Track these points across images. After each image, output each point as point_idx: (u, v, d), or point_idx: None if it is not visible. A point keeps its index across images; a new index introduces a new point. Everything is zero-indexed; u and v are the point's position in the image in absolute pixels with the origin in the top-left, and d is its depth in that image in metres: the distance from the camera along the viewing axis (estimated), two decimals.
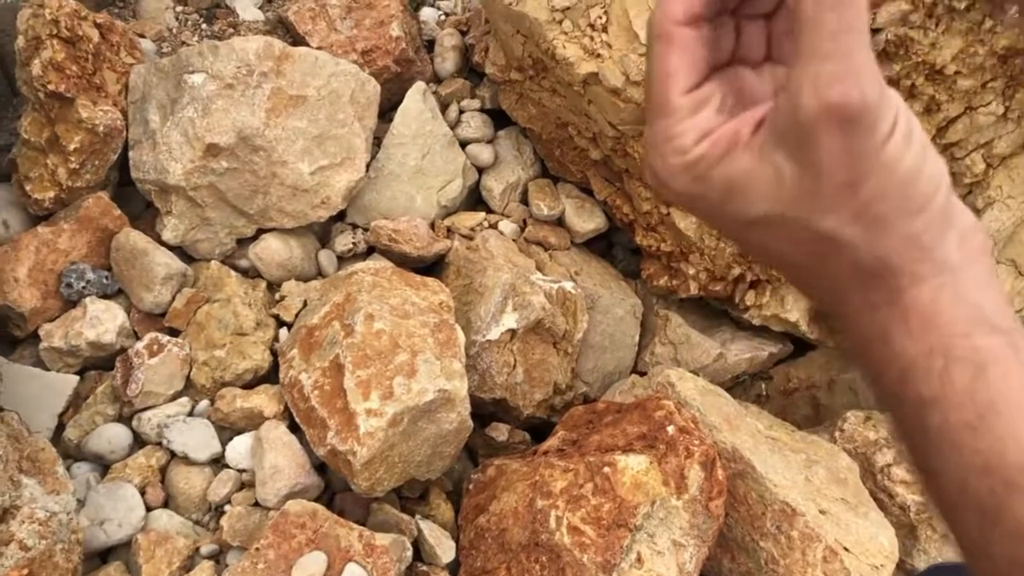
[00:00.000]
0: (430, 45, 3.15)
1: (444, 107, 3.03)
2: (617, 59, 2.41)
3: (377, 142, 2.89)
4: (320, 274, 2.70)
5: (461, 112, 3.04)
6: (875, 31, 2.12)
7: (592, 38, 2.47)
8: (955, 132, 2.39)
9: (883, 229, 0.61)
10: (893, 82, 2.22)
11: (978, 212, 2.54)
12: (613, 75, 2.41)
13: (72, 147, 2.40)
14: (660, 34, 0.64)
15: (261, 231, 2.61)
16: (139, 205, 2.64)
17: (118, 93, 2.56)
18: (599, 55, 2.45)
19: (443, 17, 3.25)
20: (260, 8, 3.20)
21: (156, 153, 2.46)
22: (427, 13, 3.24)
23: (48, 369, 2.30)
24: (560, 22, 2.50)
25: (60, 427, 2.26)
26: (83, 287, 2.37)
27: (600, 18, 2.46)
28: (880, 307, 0.64)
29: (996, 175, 2.49)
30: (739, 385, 3.07)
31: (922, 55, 2.15)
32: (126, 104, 2.57)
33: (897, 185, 0.61)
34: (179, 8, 3.16)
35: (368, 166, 2.73)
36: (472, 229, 2.90)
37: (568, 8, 2.47)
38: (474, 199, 3.05)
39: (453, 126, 3.00)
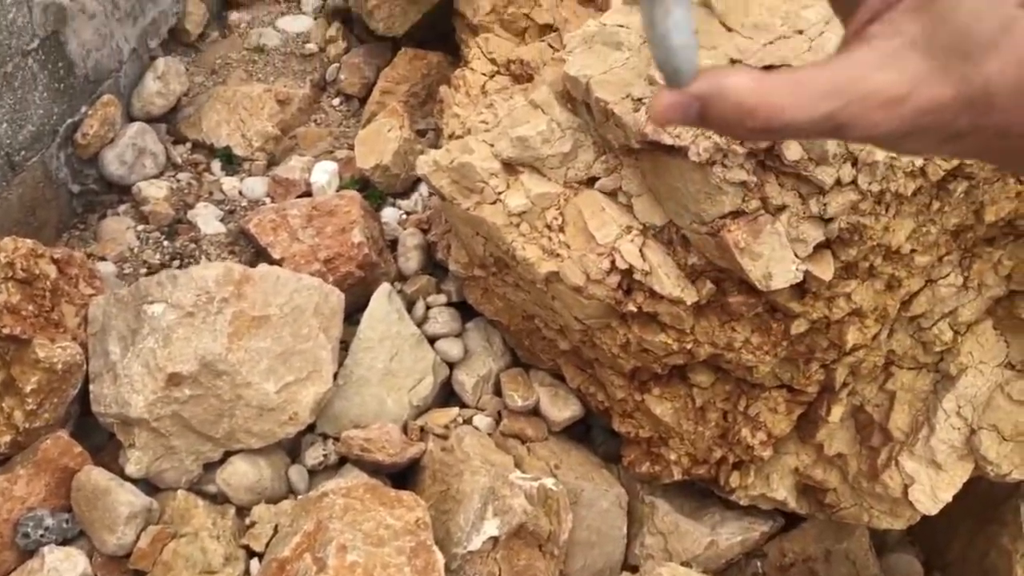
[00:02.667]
0: (393, 244, 3.18)
1: (410, 304, 3.03)
2: (576, 259, 2.42)
3: (345, 347, 2.86)
4: (291, 491, 2.61)
5: (428, 308, 3.03)
6: (827, 220, 2.15)
7: (550, 238, 2.49)
8: (919, 305, 2.40)
9: None
10: (852, 265, 2.24)
11: (952, 379, 2.52)
12: (574, 274, 2.41)
13: (29, 388, 2.35)
14: None
15: (228, 453, 2.53)
16: (101, 436, 2.57)
17: (77, 326, 2.54)
18: (558, 255, 2.46)
19: (404, 216, 3.29)
20: (222, 221, 3.23)
21: (117, 386, 2.41)
22: (388, 213, 3.28)
23: None
24: (518, 225, 2.52)
25: None
26: (41, 535, 2.27)
27: (556, 219, 2.48)
28: None
29: (965, 342, 2.48)
30: (734, 566, 2.96)
31: (876, 239, 2.17)
32: (86, 336, 2.53)
33: None
34: (140, 227, 3.18)
35: (336, 375, 2.69)
36: (446, 427, 2.84)
37: (524, 212, 2.50)
38: (446, 394, 3.00)
39: (421, 323, 2.98)
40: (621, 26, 2.50)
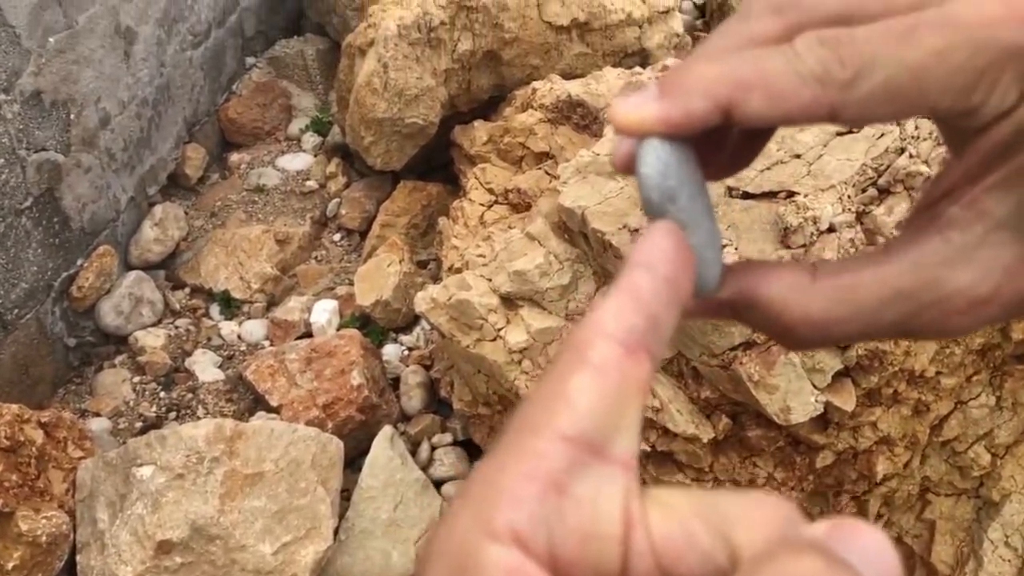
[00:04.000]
0: (395, 383, 3.07)
1: (415, 447, 2.90)
2: None
3: (347, 495, 2.72)
4: None
5: (433, 449, 2.90)
6: (844, 348, 2.03)
7: None
8: (951, 429, 2.25)
9: None
10: (874, 392, 2.10)
11: (995, 506, 2.34)
12: None
13: (11, 565, 2.21)
14: None
15: None
16: None
17: (65, 492, 2.42)
18: None
19: (406, 352, 3.20)
20: (220, 367, 3.15)
21: (104, 557, 2.27)
22: (390, 350, 3.19)
23: None
24: (519, 362, 2.42)
25: None
26: None
27: None
28: None
29: (1005, 465, 2.32)
30: None
31: (898, 364, 2.05)
32: (74, 503, 2.41)
33: None
34: (136, 378, 3.10)
35: (337, 529, 2.55)
36: None
37: (526, 348, 2.40)
38: None
39: (426, 466, 2.85)
40: None
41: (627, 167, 0.41)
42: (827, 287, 0.41)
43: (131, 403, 3.01)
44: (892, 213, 1.97)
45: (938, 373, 2.12)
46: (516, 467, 0.31)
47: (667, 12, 3.93)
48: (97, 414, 2.95)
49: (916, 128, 2.04)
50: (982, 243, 0.40)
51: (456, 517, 0.31)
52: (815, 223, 1.98)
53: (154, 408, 2.99)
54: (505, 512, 0.30)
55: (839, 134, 2.14)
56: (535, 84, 3.43)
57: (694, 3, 4.86)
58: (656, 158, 0.40)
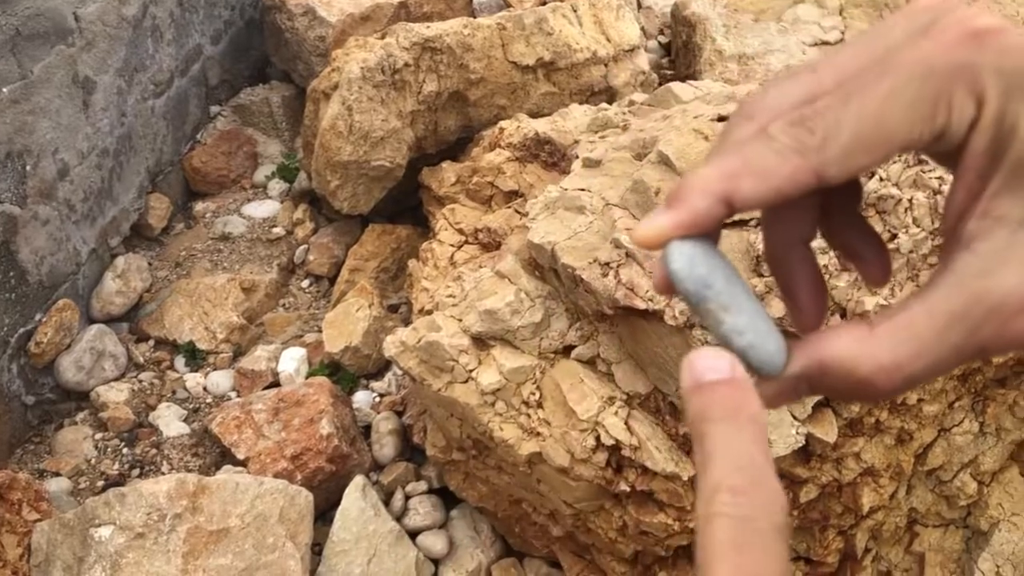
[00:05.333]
0: (367, 431, 2.98)
1: (388, 496, 2.80)
2: (559, 436, 2.23)
3: (319, 550, 2.62)
4: None
5: (407, 499, 2.81)
6: None
7: (529, 415, 2.31)
8: (935, 457, 2.20)
9: None
10: (856, 422, 2.05)
11: (984, 535, 2.29)
12: (557, 454, 2.22)
13: None
14: None
15: None
16: None
17: (19, 557, 2.30)
18: (539, 433, 2.27)
19: (378, 399, 3.11)
20: (185, 420, 3.05)
21: None
22: (361, 397, 3.10)
23: None
24: (492, 404, 2.34)
25: None
26: None
27: (533, 394, 2.31)
28: None
29: (992, 492, 2.27)
30: None
31: None
32: (28, 568, 2.30)
33: None
34: (98, 435, 2.99)
35: None
36: None
37: (499, 389, 2.33)
38: None
39: (400, 516, 2.75)
40: (582, 190, 2.41)
41: (665, 285, 0.45)
42: (886, 331, 0.43)
43: (92, 461, 2.90)
44: None
45: (920, 400, 2.08)
46: None
47: (632, 50, 3.93)
48: (57, 474, 2.83)
49: None
50: (1012, 244, 0.42)
51: None
52: None
53: (116, 465, 2.88)
54: None
55: None
56: (502, 123, 3.40)
57: (659, 42, 4.88)
58: (680, 254, 0.44)
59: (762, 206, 0.45)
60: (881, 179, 1.96)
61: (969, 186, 0.43)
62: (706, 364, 0.43)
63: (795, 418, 1.99)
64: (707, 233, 0.45)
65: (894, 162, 1.97)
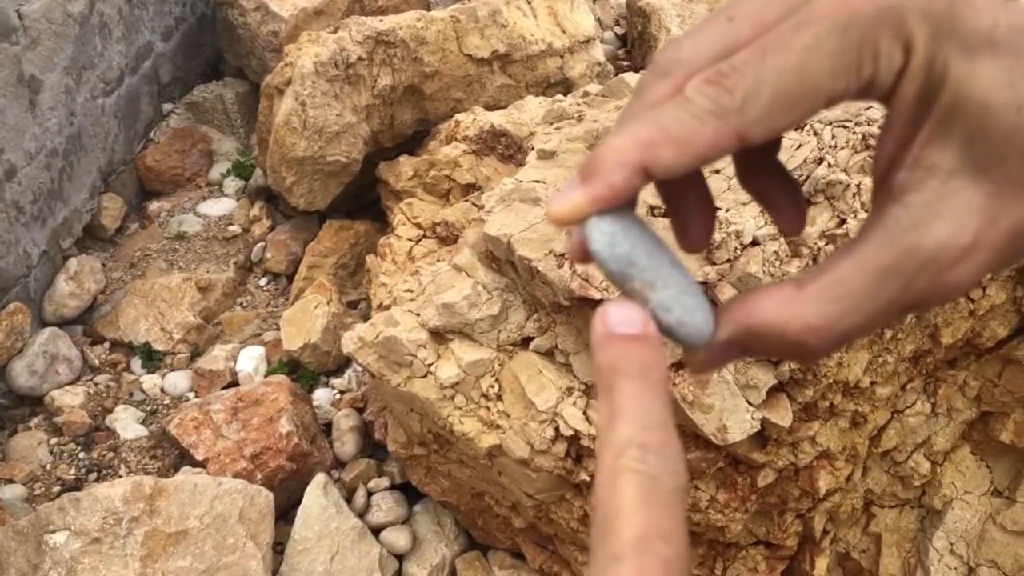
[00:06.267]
0: (328, 428, 2.96)
1: (350, 493, 2.79)
2: (518, 428, 2.23)
3: (281, 549, 2.60)
4: None
5: (370, 495, 2.79)
6: (777, 362, 2.00)
7: (488, 408, 2.31)
8: (889, 439, 2.23)
9: None
10: (811, 406, 2.07)
11: (938, 514, 2.33)
12: (517, 446, 2.22)
13: None
14: None
15: None
16: None
17: None
18: (499, 426, 2.27)
19: (338, 396, 3.09)
20: (143, 423, 3.01)
21: None
22: (321, 395, 3.08)
23: None
24: (452, 397, 2.34)
25: None
26: None
27: (492, 387, 2.31)
28: None
29: (945, 472, 2.30)
30: None
31: (831, 375, 2.02)
32: None
33: None
34: (53, 440, 2.94)
35: None
36: None
37: (458, 383, 2.33)
38: None
39: (363, 512, 2.74)
40: (537, 181, 2.41)
41: (583, 255, 0.42)
42: (815, 290, 0.42)
43: (48, 467, 2.85)
44: (815, 223, 1.96)
45: (872, 383, 2.10)
46: None
47: (588, 42, 3.94)
48: (11, 480, 2.78)
49: (833, 137, 2.04)
50: (943, 195, 0.40)
51: None
52: (738, 237, 1.95)
53: (73, 470, 2.84)
54: None
55: None
56: (458, 116, 3.39)
57: (615, 33, 4.90)
58: (600, 232, 0.42)
59: (682, 173, 0.42)
60: (830, 165, 1.99)
61: (898, 135, 0.41)
62: (620, 316, 0.41)
63: (750, 403, 2.00)
64: (627, 206, 0.43)
65: (841, 148, 2.00)
